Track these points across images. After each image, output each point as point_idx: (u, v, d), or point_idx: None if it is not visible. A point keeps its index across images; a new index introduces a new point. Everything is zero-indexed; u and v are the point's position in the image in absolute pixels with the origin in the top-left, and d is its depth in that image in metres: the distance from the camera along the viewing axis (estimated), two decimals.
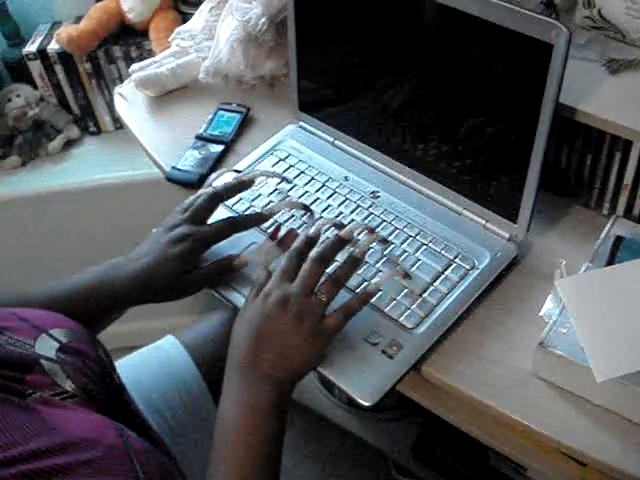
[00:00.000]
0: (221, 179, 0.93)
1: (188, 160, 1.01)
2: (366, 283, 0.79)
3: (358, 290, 0.79)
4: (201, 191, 0.86)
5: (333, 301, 0.71)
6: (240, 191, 0.87)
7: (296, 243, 0.75)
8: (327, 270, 0.73)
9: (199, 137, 1.04)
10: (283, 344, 0.69)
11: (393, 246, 0.84)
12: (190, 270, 0.80)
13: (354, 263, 0.74)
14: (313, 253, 0.73)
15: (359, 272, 0.80)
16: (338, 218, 0.88)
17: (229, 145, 1.03)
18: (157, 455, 0.62)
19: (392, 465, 1.46)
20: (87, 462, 0.53)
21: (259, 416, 0.66)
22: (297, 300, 0.69)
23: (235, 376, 0.69)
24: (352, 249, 0.74)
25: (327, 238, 0.76)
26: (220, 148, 1.02)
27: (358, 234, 0.80)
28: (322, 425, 1.54)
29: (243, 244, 0.85)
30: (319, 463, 1.53)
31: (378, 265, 0.82)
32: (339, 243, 0.74)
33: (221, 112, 1.08)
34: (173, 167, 1.01)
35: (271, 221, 0.87)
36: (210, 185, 0.90)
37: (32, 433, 0.53)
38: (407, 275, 0.79)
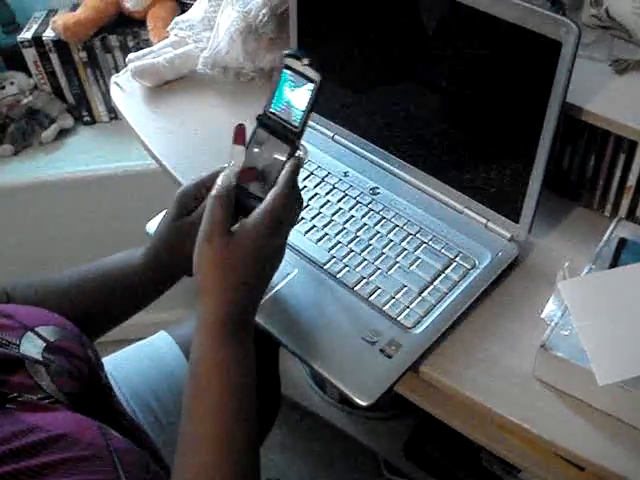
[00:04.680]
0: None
1: None
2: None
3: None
4: None
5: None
6: None
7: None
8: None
9: None
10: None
11: (393, 243, 0.83)
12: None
13: None
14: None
15: (357, 270, 0.79)
16: (337, 214, 0.86)
17: None
18: (141, 455, 0.60)
19: (383, 464, 1.45)
20: (68, 460, 0.52)
21: (224, 334, 0.63)
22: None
23: (200, 301, 0.64)
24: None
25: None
26: None
27: None
28: (313, 423, 1.53)
29: None
30: (310, 461, 1.52)
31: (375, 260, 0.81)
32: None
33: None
34: None
35: None
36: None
37: (11, 435, 0.52)
38: None
